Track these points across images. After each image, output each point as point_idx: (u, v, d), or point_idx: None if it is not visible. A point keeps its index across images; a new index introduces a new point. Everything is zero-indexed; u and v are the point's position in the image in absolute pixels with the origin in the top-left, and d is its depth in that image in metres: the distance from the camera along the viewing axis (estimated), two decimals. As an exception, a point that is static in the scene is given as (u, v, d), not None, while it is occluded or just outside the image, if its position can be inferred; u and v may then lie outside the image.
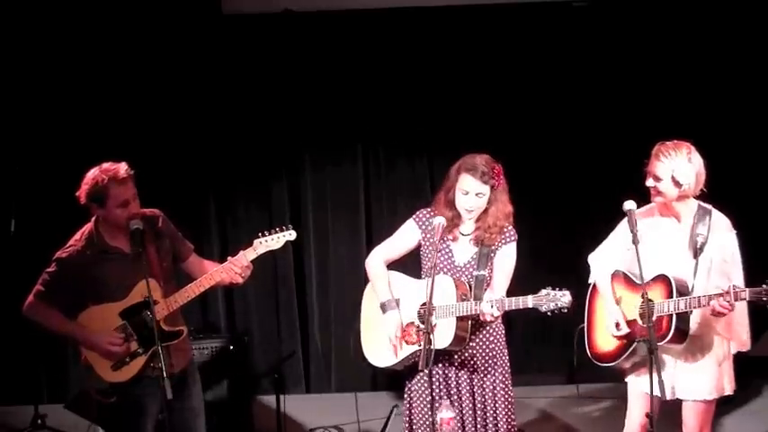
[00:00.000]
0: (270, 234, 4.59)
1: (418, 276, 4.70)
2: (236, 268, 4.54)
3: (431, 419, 4.51)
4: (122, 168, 4.43)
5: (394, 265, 4.74)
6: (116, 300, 4.47)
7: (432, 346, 4.21)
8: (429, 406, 4.56)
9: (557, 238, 6.73)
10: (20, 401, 6.50)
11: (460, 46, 6.78)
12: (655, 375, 4.07)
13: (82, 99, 6.68)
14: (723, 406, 6.26)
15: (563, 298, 4.28)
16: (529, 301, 4.33)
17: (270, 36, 6.78)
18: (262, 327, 7.06)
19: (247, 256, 4.56)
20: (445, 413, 4.15)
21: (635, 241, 4.23)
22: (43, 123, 6.69)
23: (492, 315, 4.37)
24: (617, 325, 4.46)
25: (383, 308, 4.61)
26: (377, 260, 4.71)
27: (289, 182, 6.99)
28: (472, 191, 4.49)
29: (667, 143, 4.41)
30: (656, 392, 4.08)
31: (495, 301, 4.37)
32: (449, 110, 6.83)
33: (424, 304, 4.44)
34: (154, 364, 4.36)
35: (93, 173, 4.44)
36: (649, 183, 4.41)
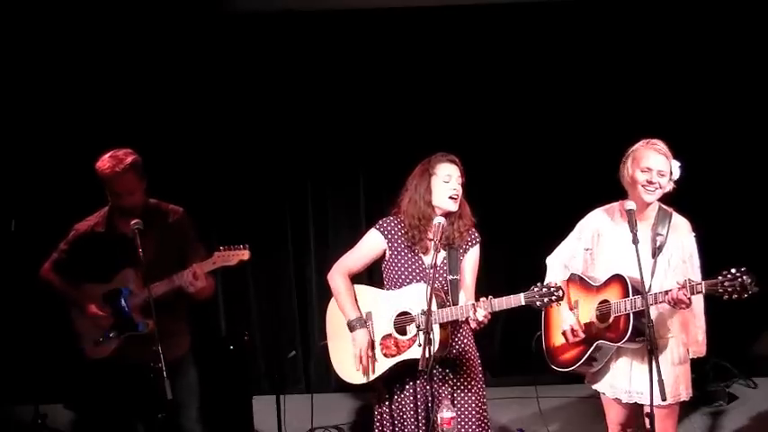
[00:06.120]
0: (227, 250, 4.59)
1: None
2: (185, 276, 4.56)
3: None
4: (119, 162, 4.57)
5: (356, 278, 4.66)
6: (101, 281, 4.67)
7: (432, 346, 4.17)
8: (413, 416, 4.50)
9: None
10: (20, 401, 6.50)
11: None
12: (655, 375, 4.04)
13: (80, 99, 6.69)
14: (726, 407, 6.29)
15: (557, 291, 4.24)
16: (521, 298, 4.26)
17: (273, 36, 6.79)
18: (262, 327, 7.06)
19: (203, 266, 4.59)
20: (445, 413, 4.14)
21: (635, 241, 4.20)
22: (42, 123, 6.69)
23: (484, 318, 4.31)
24: (573, 331, 4.44)
25: (351, 327, 4.52)
26: (340, 274, 4.62)
27: (289, 182, 7.01)
28: (455, 175, 4.48)
29: (653, 140, 4.40)
30: (656, 393, 4.06)
31: (485, 304, 4.28)
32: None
33: (402, 314, 4.45)
34: (154, 364, 4.35)
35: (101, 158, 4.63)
36: (646, 177, 4.35)
